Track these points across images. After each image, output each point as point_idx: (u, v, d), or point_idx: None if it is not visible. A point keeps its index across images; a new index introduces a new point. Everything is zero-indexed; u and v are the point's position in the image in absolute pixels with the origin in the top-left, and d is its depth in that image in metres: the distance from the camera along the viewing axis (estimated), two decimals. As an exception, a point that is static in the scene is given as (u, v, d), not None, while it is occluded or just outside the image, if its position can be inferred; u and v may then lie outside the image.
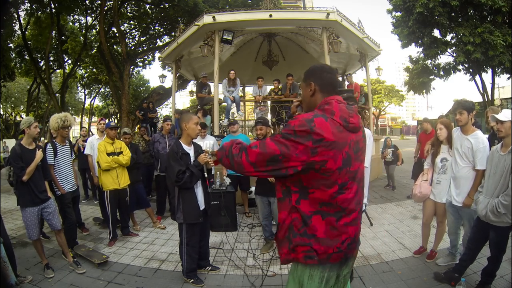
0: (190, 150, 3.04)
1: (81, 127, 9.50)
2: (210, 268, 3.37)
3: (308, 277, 1.43)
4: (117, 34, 15.21)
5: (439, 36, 15.07)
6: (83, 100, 29.21)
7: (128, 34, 16.99)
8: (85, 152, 5.30)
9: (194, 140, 3.18)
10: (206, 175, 3.15)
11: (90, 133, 25.90)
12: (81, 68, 21.48)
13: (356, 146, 1.43)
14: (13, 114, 27.95)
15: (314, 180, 1.36)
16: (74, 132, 32.10)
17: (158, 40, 17.33)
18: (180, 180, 2.83)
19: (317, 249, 1.39)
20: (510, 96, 23.23)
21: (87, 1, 15.27)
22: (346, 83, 8.45)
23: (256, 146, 1.39)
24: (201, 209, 3.07)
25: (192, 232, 3.04)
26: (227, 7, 12.87)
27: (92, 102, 29.29)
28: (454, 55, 15.22)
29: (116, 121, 22.80)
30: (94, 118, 33.25)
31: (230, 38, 7.01)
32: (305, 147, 1.30)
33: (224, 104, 7.55)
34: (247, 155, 1.39)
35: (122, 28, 15.38)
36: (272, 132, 3.90)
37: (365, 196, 2.34)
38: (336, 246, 1.41)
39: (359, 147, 1.45)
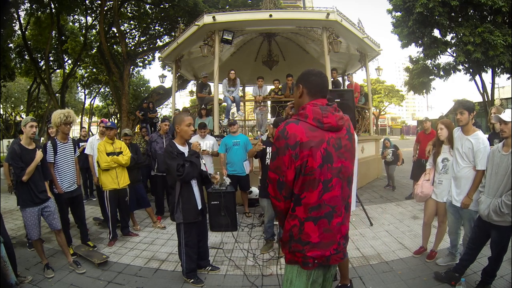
0: (185, 150, 3.04)
1: (81, 127, 9.42)
2: (210, 268, 3.37)
3: (297, 275, 1.50)
4: (117, 34, 15.22)
5: (439, 36, 15.06)
6: (83, 100, 29.21)
7: (128, 34, 17.00)
8: (85, 152, 5.30)
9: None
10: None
11: (90, 133, 25.96)
12: (81, 68, 21.49)
13: (338, 143, 1.47)
14: (13, 114, 27.94)
15: (303, 184, 1.43)
16: (74, 132, 32.10)
17: (158, 40, 17.36)
18: (182, 173, 2.81)
19: (313, 255, 1.44)
20: (510, 96, 23.23)
21: (87, 1, 15.28)
22: (347, 82, 8.44)
23: (270, 181, 1.53)
24: (199, 208, 3.07)
25: (189, 232, 3.04)
26: (227, 7, 12.89)
27: (92, 102, 29.29)
28: (454, 55, 15.21)
29: (116, 121, 22.81)
30: (94, 118, 33.22)
31: (230, 38, 7.01)
32: (289, 156, 1.41)
33: (224, 104, 7.55)
34: (270, 194, 1.55)
35: (122, 28, 15.39)
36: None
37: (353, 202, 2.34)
38: (333, 247, 1.47)
39: (341, 145, 1.48)
